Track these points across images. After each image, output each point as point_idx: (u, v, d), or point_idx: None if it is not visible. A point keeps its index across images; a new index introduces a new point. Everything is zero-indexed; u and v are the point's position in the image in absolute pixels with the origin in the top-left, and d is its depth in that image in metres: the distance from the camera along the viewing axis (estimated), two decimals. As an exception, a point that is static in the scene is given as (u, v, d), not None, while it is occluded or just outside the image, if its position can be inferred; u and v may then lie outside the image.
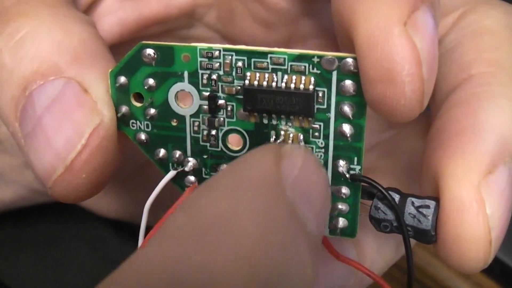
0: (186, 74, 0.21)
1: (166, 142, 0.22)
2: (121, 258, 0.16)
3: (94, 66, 0.22)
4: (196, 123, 0.22)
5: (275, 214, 0.17)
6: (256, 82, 0.21)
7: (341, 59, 0.20)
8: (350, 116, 0.20)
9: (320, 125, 0.21)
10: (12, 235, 0.38)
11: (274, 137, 0.21)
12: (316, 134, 0.21)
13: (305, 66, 0.20)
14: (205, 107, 0.22)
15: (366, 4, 0.19)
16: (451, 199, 0.20)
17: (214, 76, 0.21)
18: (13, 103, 0.22)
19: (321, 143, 0.21)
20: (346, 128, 0.21)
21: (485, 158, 0.21)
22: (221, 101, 0.21)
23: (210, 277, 0.15)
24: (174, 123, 0.22)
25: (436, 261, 0.41)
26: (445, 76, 0.24)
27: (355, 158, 0.21)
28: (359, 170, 0.21)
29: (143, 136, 0.23)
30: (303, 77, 0.20)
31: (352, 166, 0.21)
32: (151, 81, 0.22)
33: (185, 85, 0.22)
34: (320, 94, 0.21)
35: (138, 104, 0.22)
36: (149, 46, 0.21)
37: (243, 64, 0.21)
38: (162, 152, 0.23)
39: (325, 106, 0.21)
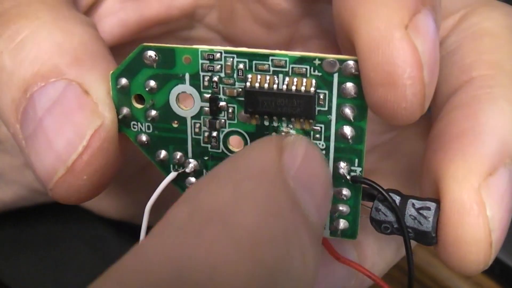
0: (187, 76, 0.21)
1: (167, 144, 0.23)
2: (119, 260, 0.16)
3: (95, 68, 0.22)
4: (197, 125, 0.22)
5: (277, 205, 0.17)
6: (257, 84, 0.21)
7: (342, 61, 0.20)
8: (351, 118, 0.20)
9: (321, 127, 0.21)
10: (12, 235, 0.38)
11: (275, 139, 0.21)
12: (317, 136, 0.21)
13: (306, 69, 0.20)
14: (206, 109, 0.22)
15: (367, 7, 0.19)
16: (452, 201, 0.20)
17: (215, 78, 0.21)
18: (14, 105, 0.22)
19: (322, 145, 0.21)
20: (347, 130, 0.21)
21: (486, 161, 0.21)
22: (222, 103, 0.21)
23: (212, 270, 0.15)
24: (175, 125, 0.22)
25: (436, 261, 0.41)
26: (446, 78, 0.24)
27: (356, 160, 0.21)
28: (360, 172, 0.21)
29: (144, 138, 0.23)
30: (304, 79, 0.20)
31: (353, 168, 0.21)
32: (152, 83, 0.22)
33: (186, 87, 0.22)
34: (321, 96, 0.21)
35: (139, 106, 0.22)
36: (150, 48, 0.21)
37: (244, 66, 0.21)
38: (163, 153, 0.23)
39: (326, 108, 0.21)
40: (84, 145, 0.21)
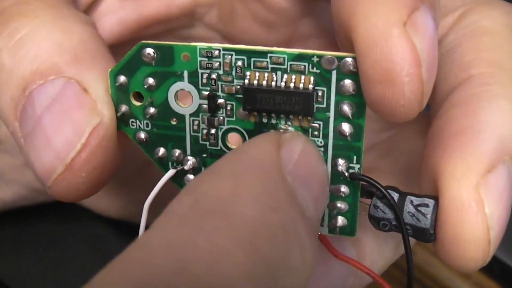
0: (186, 73, 0.21)
1: (166, 141, 0.23)
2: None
3: (93, 66, 0.22)
4: (196, 122, 0.22)
5: (275, 197, 0.17)
6: (255, 82, 0.21)
7: (340, 58, 0.20)
8: (350, 116, 0.21)
9: (319, 124, 0.21)
10: (12, 235, 0.38)
11: (273, 136, 0.21)
12: (316, 133, 0.21)
13: (304, 66, 0.20)
14: (205, 106, 0.22)
15: (366, 5, 0.19)
16: (450, 199, 0.20)
17: (213, 76, 0.21)
18: (13, 103, 0.22)
19: (321, 142, 0.21)
20: (346, 127, 0.21)
21: (484, 158, 0.21)
22: (220, 101, 0.21)
23: (213, 260, 0.15)
24: (173, 122, 0.22)
25: (436, 261, 0.41)
26: (445, 76, 0.24)
27: (354, 157, 0.21)
28: (358, 169, 0.21)
29: (142, 135, 0.23)
30: (303, 77, 0.21)
31: (351, 165, 0.21)
32: (151, 81, 0.22)
33: (185, 85, 0.22)
34: (320, 94, 0.21)
35: (138, 104, 0.22)
36: (149, 45, 0.21)
37: (243, 63, 0.21)
38: (161, 151, 0.23)
39: (324, 106, 0.21)
40: (82, 142, 0.21)
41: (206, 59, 0.21)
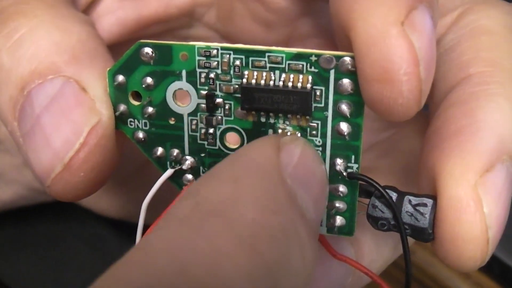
0: (184, 72, 0.21)
1: (164, 141, 0.23)
2: (121, 257, 0.16)
3: (92, 66, 0.22)
4: (194, 122, 0.22)
5: (275, 200, 0.18)
6: (253, 81, 0.21)
7: (338, 57, 0.20)
8: (348, 115, 0.20)
9: (317, 124, 0.21)
10: (12, 235, 0.38)
11: (271, 135, 0.21)
12: (314, 132, 0.21)
13: (302, 65, 0.20)
14: (203, 105, 0.22)
15: (364, 4, 0.19)
16: (449, 198, 0.20)
17: (212, 75, 0.21)
18: (11, 102, 0.22)
19: (319, 142, 0.21)
20: (344, 126, 0.21)
21: (483, 158, 0.21)
22: (219, 100, 0.21)
23: (213, 262, 0.15)
24: (172, 122, 0.22)
25: (436, 261, 0.41)
26: (444, 75, 0.24)
27: (353, 157, 0.21)
28: (357, 168, 0.21)
29: (141, 135, 0.23)
30: (301, 76, 0.20)
31: (349, 165, 0.21)
32: (149, 80, 0.22)
33: (183, 84, 0.22)
34: (318, 93, 0.21)
35: (136, 103, 0.22)
36: (147, 45, 0.21)
37: (241, 62, 0.21)
38: (160, 150, 0.23)
39: (322, 105, 0.21)
40: (81, 142, 0.21)
41: (204, 58, 0.21)
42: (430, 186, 0.22)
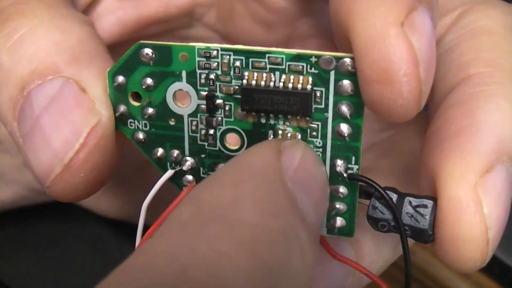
0: (184, 73, 0.21)
1: (164, 142, 0.23)
2: (121, 257, 0.16)
3: (92, 66, 0.22)
4: (194, 123, 0.22)
5: (276, 203, 0.18)
6: (254, 82, 0.21)
7: (338, 59, 0.20)
8: (348, 116, 0.20)
9: (318, 125, 0.21)
10: (12, 235, 0.38)
11: (271, 136, 0.21)
12: (314, 133, 0.21)
13: (302, 66, 0.20)
14: (203, 106, 0.22)
15: (364, 5, 0.19)
16: (449, 199, 0.20)
17: (212, 76, 0.21)
18: (11, 103, 0.22)
19: (319, 143, 0.21)
20: (344, 128, 0.21)
21: (483, 158, 0.21)
22: (219, 101, 0.21)
23: (214, 265, 0.15)
24: (172, 123, 0.22)
25: (436, 261, 0.41)
26: (444, 76, 0.23)
27: (353, 158, 0.21)
28: (357, 169, 0.21)
29: (141, 136, 0.23)
30: (301, 77, 0.20)
31: (349, 166, 0.21)
32: (149, 81, 0.22)
33: (183, 85, 0.22)
34: (318, 94, 0.21)
35: (136, 104, 0.22)
36: (147, 45, 0.21)
37: (241, 63, 0.21)
38: (160, 151, 0.23)
39: (323, 106, 0.21)
40: (81, 142, 0.21)
41: (204, 59, 0.21)
42: (430, 186, 0.22)
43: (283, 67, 0.21)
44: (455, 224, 0.20)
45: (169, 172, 0.23)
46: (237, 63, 0.21)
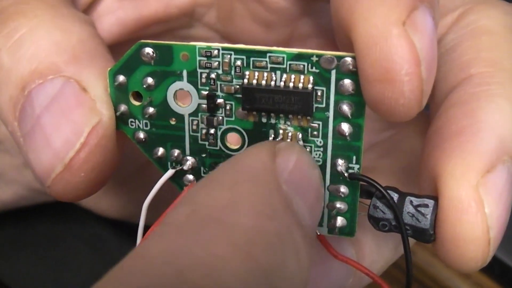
0: (185, 73, 0.21)
1: (165, 141, 0.22)
2: (121, 257, 0.16)
3: (92, 66, 0.22)
4: (195, 122, 0.22)
5: (271, 206, 0.18)
6: (255, 81, 0.21)
7: (340, 58, 0.20)
8: (349, 115, 0.20)
9: (319, 124, 0.21)
10: (12, 235, 0.38)
11: (272, 136, 0.21)
12: (315, 133, 0.21)
13: (303, 65, 0.20)
14: (204, 106, 0.22)
15: (365, 4, 0.19)
16: (450, 199, 0.20)
17: (213, 75, 0.21)
18: (11, 102, 0.22)
19: (320, 142, 0.21)
20: (345, 127, 0.21)
21: (484, 158, 0.21)
22: (219, 100, 0.21)
23: (210, 268, 0.15)
24: (172, 122, 0.22)
25: (436, 261, 0.41)
26: (445, 75, 0.23)
27: (354, 157, 0.21)
28: (358, 169, 0.21)
29: (142, 135, 0.23)
30: (302, 76, 0.20)
31: (350, 165, 0.21)
32: (150, 80, 0.22)
33: (184, 84, 0.22)
34: (319, 93, 0.21)
35: (137, 103, 0.22)
36: (148, 45, 0.21)
37: (242, 63, 0.21)
38: (160, 151, 0.23)
39: (324, 105, 0.21)
40: (81, 142, 0.21)
41: (205, 58, 0.21)
42: (431, 186, 0.22)
43: (284, 66, 0.21)
44: (457, 224, 0.20)
45: (170, 172, 0.23)
46: (238, 62, 0.21)
